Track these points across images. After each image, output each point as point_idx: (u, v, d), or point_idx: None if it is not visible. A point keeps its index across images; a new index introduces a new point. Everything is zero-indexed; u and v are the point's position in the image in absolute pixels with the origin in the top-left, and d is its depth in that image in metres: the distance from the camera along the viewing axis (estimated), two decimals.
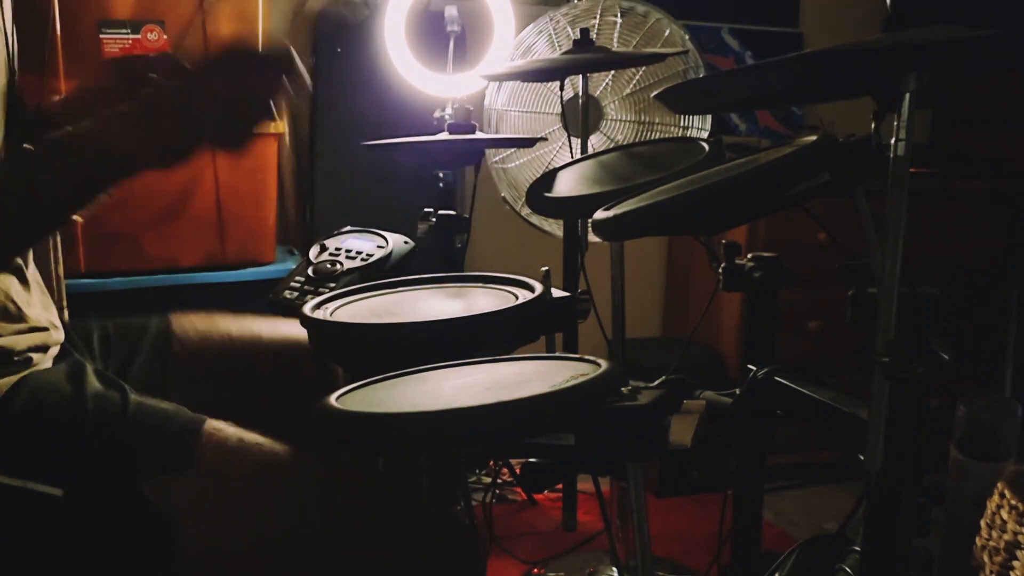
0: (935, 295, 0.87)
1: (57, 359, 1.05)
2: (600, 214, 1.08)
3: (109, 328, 1.17)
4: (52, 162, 0.84)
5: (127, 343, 1.16)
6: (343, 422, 0.76)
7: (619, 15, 1.95)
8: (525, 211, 2.01)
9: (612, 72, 1.98)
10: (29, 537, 0.89)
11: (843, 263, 0.95)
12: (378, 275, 1.37)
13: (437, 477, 1.04)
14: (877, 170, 0.85)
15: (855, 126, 0.95)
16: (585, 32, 1.77)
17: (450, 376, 0.87)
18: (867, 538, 0.91)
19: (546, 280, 1.02)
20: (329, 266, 1.41)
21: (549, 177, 1.57)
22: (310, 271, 1.41)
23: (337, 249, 1.46)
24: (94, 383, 0.96)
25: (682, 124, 2.00)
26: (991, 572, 1.29)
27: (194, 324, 1.20)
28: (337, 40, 2.31)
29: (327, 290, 1.30)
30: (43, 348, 1.02)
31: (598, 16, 1.95)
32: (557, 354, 1.00)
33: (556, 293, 1.02)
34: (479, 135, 1.72)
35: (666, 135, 1.98)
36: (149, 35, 1.80)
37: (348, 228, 1.55)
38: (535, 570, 1.96)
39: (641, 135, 1.99)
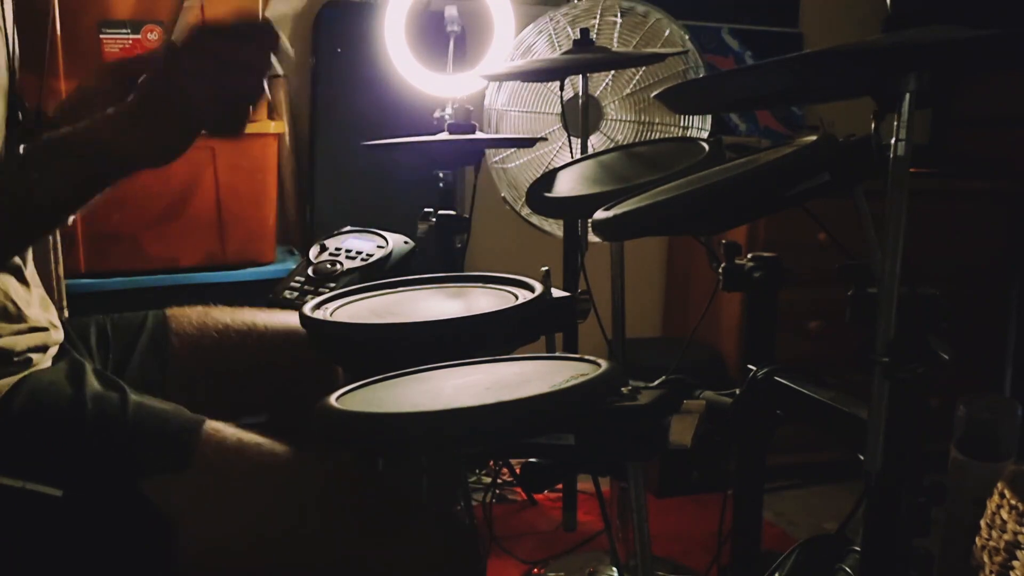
0: (935, 295, 0.87)
1: (56, 358, 1.05)
2: (600, 214, 1.08)
3: (106, 323, 1.17)
4: (51, 162, 0.84)
5: (124, 338, 1.16)
6: (343, 422, 0.76)
7: (619, 15, 1.95)
8: (525, 211, 2.00)
9: (612, 72, 1.97)
10: (29, 537, 0.88)
11: (843, 263, 0.95)
12: (378, 275, 1.37)
13: (437, 477, 1.03)
14: (877, 170, 0.85)
15: (855, 126, 0.95)
16: (585, 32, 1.77)
17: (450, 376, 0.87)
18: (867, 538, 0.91)
19: (546, 280, 1.02)
20: (329, 266, 1.41)
21: (549, 177, 1.57)
22: (310, 271, 1.41)
23: (337, 249, 1.47)
24: (93, 383, 0.96)
25: (682, 124, 2.00)
26: (991, 572, 1.29)
27: (190, 317, 1.20)
28: (337, 40, 2.31)
29: (327, 290, 1.30)
30: (43, 348, 1.02)
31: (598, 16, 1.95)
32: (557, 354, 1.01)
33: (556, 293, 1.02)
34: (479, 135, 1.72)
35: (666, 135, 1.98)
36: (149, 35, 1.80)
37: (348, 228, 1.55)
38: (535, 570, 1.96)
39: (641, 135, 1.99)
